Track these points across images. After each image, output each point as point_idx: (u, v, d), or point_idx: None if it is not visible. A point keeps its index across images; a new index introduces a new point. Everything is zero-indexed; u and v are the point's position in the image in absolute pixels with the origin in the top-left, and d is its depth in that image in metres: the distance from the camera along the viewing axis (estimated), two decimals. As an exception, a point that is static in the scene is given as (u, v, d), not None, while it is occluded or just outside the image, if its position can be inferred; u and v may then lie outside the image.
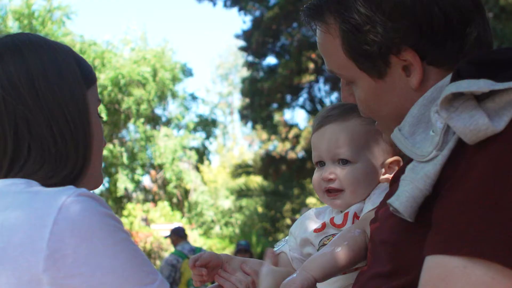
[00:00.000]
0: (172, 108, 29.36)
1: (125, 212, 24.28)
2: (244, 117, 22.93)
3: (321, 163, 1.90)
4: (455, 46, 1.44)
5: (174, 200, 28.43)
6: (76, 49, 20.43)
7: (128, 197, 26.67)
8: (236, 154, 45.97)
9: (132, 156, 25.44)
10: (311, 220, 1.97)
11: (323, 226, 1.88)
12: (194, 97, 29.50)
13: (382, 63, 1.47)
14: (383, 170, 1.87)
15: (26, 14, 19.32)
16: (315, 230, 1.89)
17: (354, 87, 1.57)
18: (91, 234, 1.31)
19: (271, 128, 23.00)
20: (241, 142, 46.72)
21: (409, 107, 1.47)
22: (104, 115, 21.35)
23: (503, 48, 1.38)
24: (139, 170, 25.83)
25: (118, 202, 25.65)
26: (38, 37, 1.61)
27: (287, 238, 2.03)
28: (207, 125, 30.01)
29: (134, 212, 24.42)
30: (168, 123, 28.40)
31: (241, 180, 28.52)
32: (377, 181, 1.86)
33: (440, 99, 1.26)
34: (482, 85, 1.23)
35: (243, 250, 10.90)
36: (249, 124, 24.09)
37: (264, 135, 26.10)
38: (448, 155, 1.28)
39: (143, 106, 24.59)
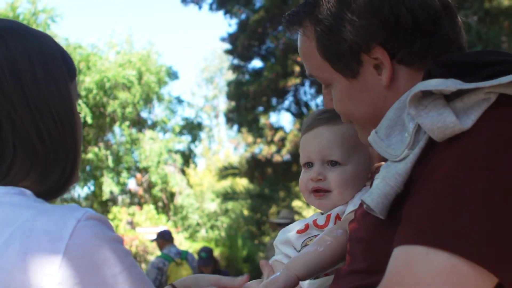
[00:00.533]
0: (158, 111, 29.30)
1: (110, 216, 24.12)
2: (230, 120, 22.89)
3: (309, 164, 1.92)
4: (423, 45, 1.49)
5: (160, 203, 28.33)
6: (61, 52, 20.36)
7: (113, 200, 26.54)
8: (221, 157, 45.94)
9: (118, 159, 25.31)
10: (294, 225, 1.98)
11: (306, 227, 1.91)
12: (180, 100, 29.41)
13: (354, 62, 1.53)
14: (369, 175, 1.90)
15: (11, 17, 19.23)
16: (298, 231, 1.92)
17: (332, 89, 1.63)
18: (101, 262, 1.24)
19: (257, 131, 22.98)
20: (226, 145, 46.71)
21: (382, 106, 1.53)
22: (89, 119, 21.29)
23: (475, 52, 1.43)
24: (124, 173, 25.72)
25: (104, 206, 25.51)
26: (20, 24, 1.49)
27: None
28: (192, 128, 29.92)
29: (119, 216, 24.27)
30: (153, 126, 28.30)
31: (227, 183, 28.48)
32: (363, 184, 1.89)
33: (408, 96, 1.31)
34: (450, 84, 1.28)
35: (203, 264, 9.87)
36: (235, 127, 24.06)
37: (250, 138, 26.08)
38: (419, 154, 1.32)
39: (129, 109, 24.49)
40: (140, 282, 1.30)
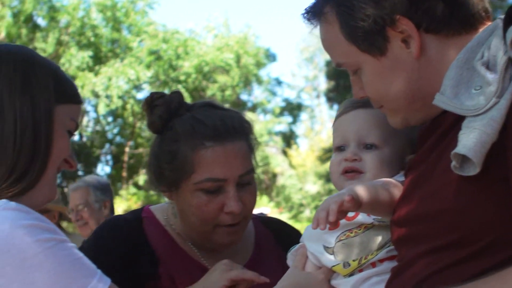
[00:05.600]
0: (258, 93, 29.49)
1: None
2: (330, 100, 22.76)
3: (342, 148, 1.84)
4: (446, 9, 1.47)
5: (262, 184, 28.56)
6: (159, 38, 20.81)
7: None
8: (324, 137, 45.72)
9: (219, 142, 25.70)
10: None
11: (338, 223, 1.75)
12: (279, 82, 29.50)
13: (380, 38, 1.50)
14: (404, 164, 1.79)
15: (110, 6, 19.82)
16: (330, 228, 1.75)
17: (361, 74, 1.59)
18: (12, 247, 1.39)
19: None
20: (328, 125, 46.37)
21: (416, 79, 1.51)
22: (189, 103, 21.70)
23: None
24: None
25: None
26: (19, 50, 1.71)
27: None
28: (293, 109, 29.94)
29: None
30: (253, 108, 28.52)
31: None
32: (397, 171, 1.79)
33: (508, 40, 1.29)
34: None
35: None
36: (335, 107, 23.90)
37: (350, 117, 25.78)
38: (511, 99, 1.28)
39: (228, 92, 24.78)
40: (59, 264, 1.41)
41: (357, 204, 1.53)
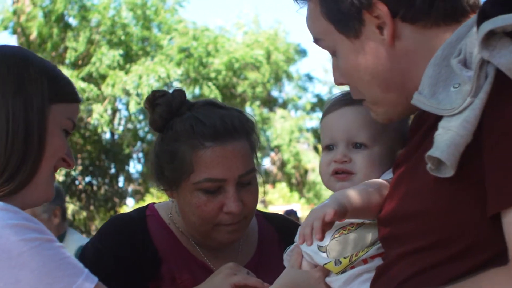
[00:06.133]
0: (289, 90, 29.42)
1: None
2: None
3: (330, 147, 1.82)
4: (426, 0, 1.45)
5: (293, 181, 28.50)
6: (189, 36, 20.84)
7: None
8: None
9: (250, 139, 25.71)
10: None
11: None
12: (309, 78, 29.37)
13: (356, 21, 1.50)
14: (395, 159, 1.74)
15: (140, 5, 19.91)
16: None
17: (338, 58, 1.60)
18: None
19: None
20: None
21: (388, 67, 1.50)
22: (220, 100, 21.73)
23: None
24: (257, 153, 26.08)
25: (238, 185, 26.08)
26: (16, 52, 1.75)
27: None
28: (324, 105, 29.81)
29: (253, 194, 24.73)
30: (284, 104, 28.46)
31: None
32: (388, 168, 1.78)
33: (479, 39, 1.25)
34: None
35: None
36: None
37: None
38: (485, 99, 1.25)
39: (258, 89, 24.75)
40: (44, 264, 1.43)
41: (341, 214, 1.52)
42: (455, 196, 1.31)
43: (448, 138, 1.27)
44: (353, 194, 1.59)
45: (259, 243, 2.24)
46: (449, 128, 1.28)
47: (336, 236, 1.74)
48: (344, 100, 1.82)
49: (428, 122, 1.44)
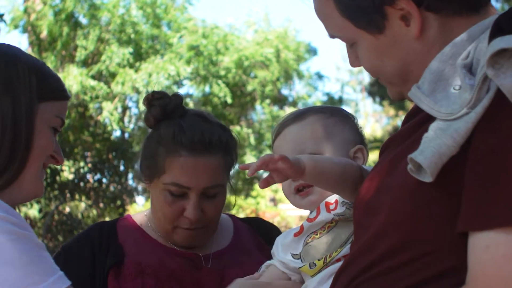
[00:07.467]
0: (299, 88, 29.38)
1: (253, 193, 24.63)
2: (371, 94, 22.59)
3: None
4: None
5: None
6: (199, 34, 20.86)
7: (258, 178, 27.02)
8: (368, 131, 45.40)
9: (260, 137, 25.70)
10: (288, 232, 1.90)
11: (302, 228, 1.82)
12: (320, 76, 29.29)
13: (378, 16, 1.42)
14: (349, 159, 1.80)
15: (149, 3, 19.93)
16: (295, 234, 1.84)
17: (357, 47, 1.53)
18: None
19: (398, 103, 22.42)
20: (371, 120, 46.12)
21: (412, 59, 1.44)
22: (229, 98, 21.74)
23: None
24: (267, 151, 26.07)
25: (248, 183, 26.05)
26: (4, 50, 1.76)
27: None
28: (334, 103, 29.68)
29: (262, 193, 24.69)
30: (294, 103, 28.41)
31: (373, 157, 28.09)
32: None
33: (487, 55, 1.19)
34: None
35: None
36: (377, 100, 23.73)
37: (392, 111, 25.60)
38: (482, 113, 1.21)
39: (268, 87, 24.71)
40: (16, 257, 1.43)
41: (296, 168, 1.52)
42: (428, 202, 1.28)
43: (434, 145, 1.24)
44: (315, 157, 1.64)
45: (234, 234, 2.38)
46: (438, 134, 1.25)
47: (308, 241, 1.76)
48: (286, 122, 1.90)
49: (421, 115, 1.40)
